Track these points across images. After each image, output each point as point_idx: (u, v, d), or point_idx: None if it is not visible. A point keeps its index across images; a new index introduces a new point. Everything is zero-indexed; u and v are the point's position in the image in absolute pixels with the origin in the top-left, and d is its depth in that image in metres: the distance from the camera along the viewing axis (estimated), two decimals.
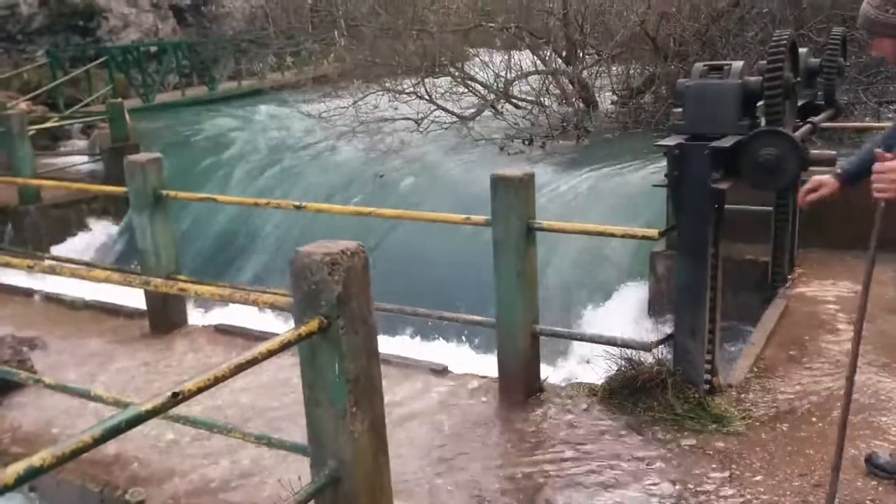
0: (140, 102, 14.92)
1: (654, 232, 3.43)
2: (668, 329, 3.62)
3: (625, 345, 3.42)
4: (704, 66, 3.42)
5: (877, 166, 2.25)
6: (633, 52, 10.72)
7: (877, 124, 7.39)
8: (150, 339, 4.66)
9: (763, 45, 8.15)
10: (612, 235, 3.45)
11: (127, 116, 10.29)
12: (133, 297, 4.98)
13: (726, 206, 3.36)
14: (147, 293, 4.71)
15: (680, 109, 3.44)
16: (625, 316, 5.50)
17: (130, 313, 5.06)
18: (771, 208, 4.67)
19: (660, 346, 3.36)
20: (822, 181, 2.66)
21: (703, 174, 3.14)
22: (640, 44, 10.27)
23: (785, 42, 3.28)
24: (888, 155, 2.23)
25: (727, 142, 3.17)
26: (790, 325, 4.13)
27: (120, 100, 11.01)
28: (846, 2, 8.19)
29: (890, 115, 8.47)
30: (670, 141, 3.24)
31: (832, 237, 5.06)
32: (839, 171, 2.68)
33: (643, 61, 10.79)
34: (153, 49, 16.98)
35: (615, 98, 11.34)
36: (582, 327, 5.59)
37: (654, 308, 5.35)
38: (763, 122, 3.35)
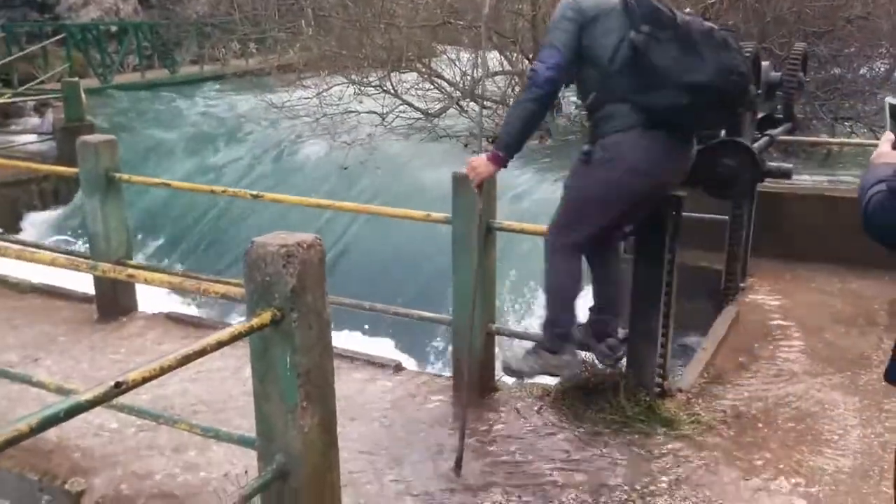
0: (98, 83, 14.55)
1: None
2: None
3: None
4: None
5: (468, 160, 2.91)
6: None
7: (832, 140, 7.59)
8: (98, 325, 4.54)
9: None
10: None
11: (83, 96, 10.03)
12: (82, 282, 4.84)
13: (683, 213, 3.40)
14: (96, 278, 4.59)
15: None
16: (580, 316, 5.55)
17: (79, 298, 4.92)
18: (726, 217, 4.75)
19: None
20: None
21: None
22: None
23: (748, 54, 3.33)
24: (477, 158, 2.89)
25: None
26: (740, 332, 4.21)
27: (76, 79, 10.73)
28: (809, 17, 8.38)
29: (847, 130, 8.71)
30: None
31: (784, 248, 5.18)
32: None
33: None
34: (113, 29, 16.56)
35: (578, 101, 11.42)
36: (537, 328, 5.62)
37: None
38: (723, 132, 3.40)
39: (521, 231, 3.69)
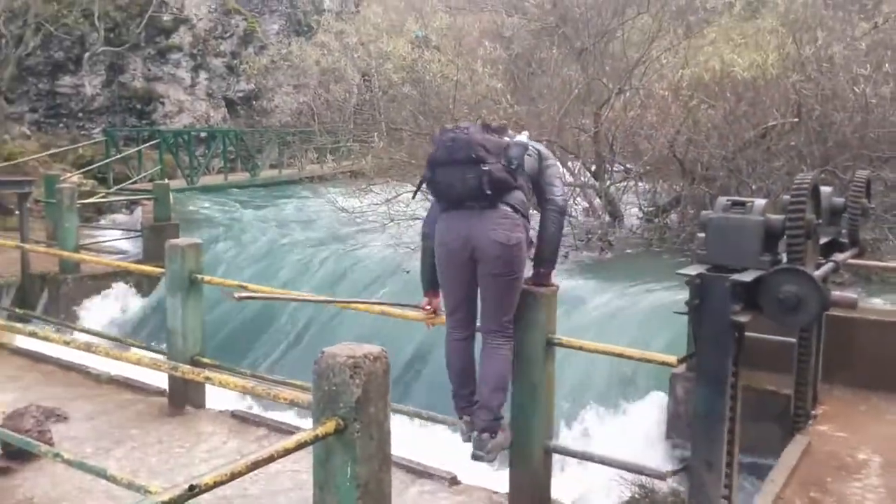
0: (184, 183, 15.52)
1: (672, 359, 3.46)
2: (685, 454, 3.58)
3: (639, 471, 3.39)
4: (728, 200, 3.52)
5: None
6: (660, 171, 10.96)
7: None
8: (167, 419, 4.71)
9: (789, 176, 8.29)
10: (631, 358, 3.49)
11: (171, 197, 10.69)
12: (155, 374, 5.05)
13: (748, 334, 3.38)
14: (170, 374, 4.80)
15: (703, 235, 3.53)
16: (640, 436, 5.42)
17: (151, 391, 5.13)
18: (794, 340, 4.66)
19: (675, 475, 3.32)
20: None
21: (724, 306, 3.19)
22: (667, 164, 10.51)
23: (807, 185, 3.39)
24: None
25: (748, 276, 3.23)
26: (812, 464, 4.04)
27: (166, 181, 11.49)
28: (873, 142, 8.36)
29: None
30: (692, 270, 3.31)
31: (857, 376, 5.01)
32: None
33: (670, 181, 11.01)
34: (203, 134, 17.79)
35: (641, 214, 11.51)
36: (595, 446, 5.51)
37: (673, 431, 5.27)
38: (785, 258, 3.42)
39: (581, 348, 3.72)
